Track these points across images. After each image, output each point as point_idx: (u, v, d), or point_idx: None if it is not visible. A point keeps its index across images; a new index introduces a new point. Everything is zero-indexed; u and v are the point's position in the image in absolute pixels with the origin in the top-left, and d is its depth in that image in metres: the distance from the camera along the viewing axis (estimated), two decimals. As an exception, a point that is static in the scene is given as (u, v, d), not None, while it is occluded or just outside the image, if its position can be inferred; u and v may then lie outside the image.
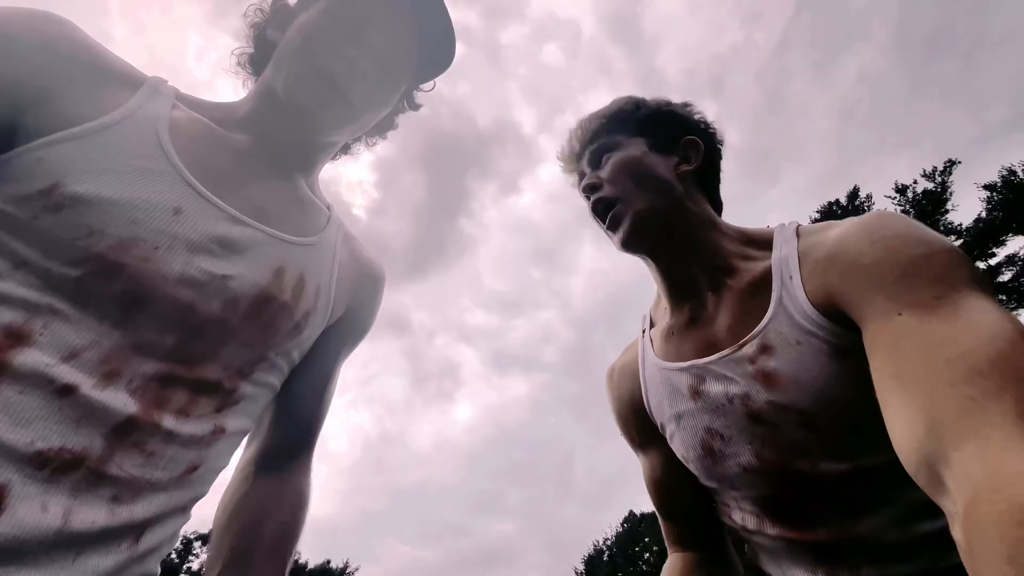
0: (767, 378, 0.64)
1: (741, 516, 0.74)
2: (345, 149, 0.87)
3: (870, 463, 0.60)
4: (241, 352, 0.58)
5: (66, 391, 0.45)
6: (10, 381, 0.43)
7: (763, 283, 0.69)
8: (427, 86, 0.84)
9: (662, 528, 0.85)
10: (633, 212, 0.77)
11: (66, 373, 0.45)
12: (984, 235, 14.74)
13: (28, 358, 0.44)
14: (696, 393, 0.72)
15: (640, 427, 0.85)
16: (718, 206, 0.86)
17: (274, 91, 0.66)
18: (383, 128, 0.88)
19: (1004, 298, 14.84)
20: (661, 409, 0.79)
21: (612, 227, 0.79)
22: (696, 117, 0.87)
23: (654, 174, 0.78)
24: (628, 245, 0.79)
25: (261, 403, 0.65)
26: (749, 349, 0.67)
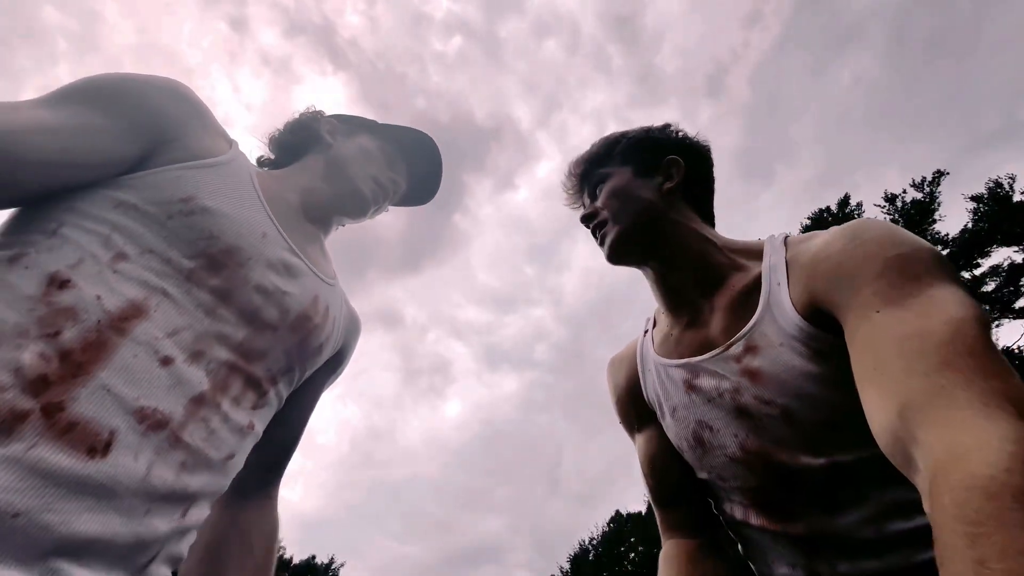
0: (752, 375, 0.70)
1: (730, 507, 0.79)
2: None
3: (846, 459, 0.64)
4: (280, 358, 0.71)
5: (166, 361, 0.55)
6: (128, 345, 0.53)
7: (753, 289, 0.74)
8: (393, 208, 1.12)
9: (657, 517, 0.88)
10: (617, 229, 0.85)
11: (168, 347, 0.56)
12: (969, 246, 14.97)
13: (144, 329, 0.55)
14: (690, 387, 0.78)
15: (637, 411, 0.92)
16: (710, 219, 0.91)
17: (330, 176, 0.90)
18: None
19: (987, 308, 15.09)
20: (658, 399, 0.85)
21: (601, 243, 0.89)
22: (678, 136, 0.93)
23: (638, 195, 0.86)
24: (613, 257, 0.89)
25: (271, 415, 0.74)
26: (736, 348, 0.72)
